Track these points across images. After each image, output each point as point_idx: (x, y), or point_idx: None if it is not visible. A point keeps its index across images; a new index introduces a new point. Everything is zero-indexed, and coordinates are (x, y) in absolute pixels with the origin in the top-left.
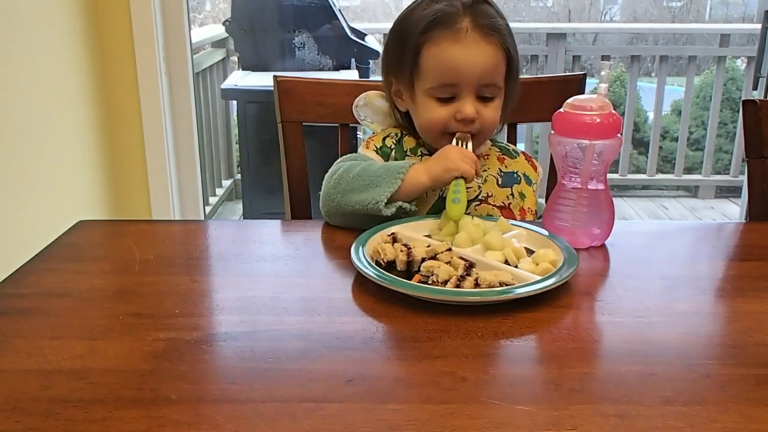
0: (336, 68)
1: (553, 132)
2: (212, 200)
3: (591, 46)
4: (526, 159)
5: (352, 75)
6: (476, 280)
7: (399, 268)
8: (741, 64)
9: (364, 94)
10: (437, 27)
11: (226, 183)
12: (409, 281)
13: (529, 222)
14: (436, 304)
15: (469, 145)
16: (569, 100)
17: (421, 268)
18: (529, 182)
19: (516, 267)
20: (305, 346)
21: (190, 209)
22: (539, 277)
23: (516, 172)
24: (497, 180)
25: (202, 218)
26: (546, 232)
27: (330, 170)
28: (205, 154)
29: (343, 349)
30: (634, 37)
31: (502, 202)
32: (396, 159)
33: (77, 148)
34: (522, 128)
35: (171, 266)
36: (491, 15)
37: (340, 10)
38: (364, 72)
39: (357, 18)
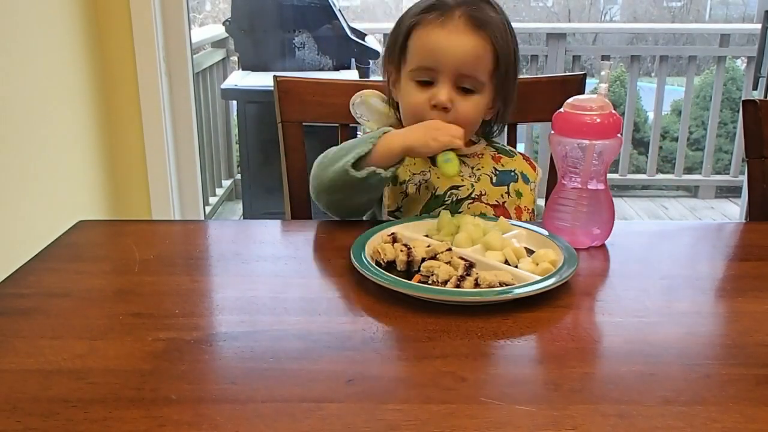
0: (336, 68)
1: (553, 132)
2: (212, 200)
3: (591, 46)
4: (523, 158)
5: (352, 75)
6: (476, 280)
7: (399, 268)
8: (741, 64)
9: (361, 92)
10: (432, 12)
11: (226, 183)
12: (409, 281)
13: (529, 222)
14: (436, 304)
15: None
16: (569, 100)
17: (421, 268)
18: (526, 180)
19: (516, 267)
20: (305, 346)
21: (190, 209)
22: (539, 277)
23: (513, 171)
24: (491, 178)
25: (202, 218)
26: (546, 232)
27: None
28: (205, 154)
29: (343, 349)
30: (634, 37)
31: (497, 201)
32: None
33: (77, 148)
34: (522, 128)
35: (171, 266)
36: (486, 10)
37: (340, 10)
38: (364, 72)
39: (357, 18)
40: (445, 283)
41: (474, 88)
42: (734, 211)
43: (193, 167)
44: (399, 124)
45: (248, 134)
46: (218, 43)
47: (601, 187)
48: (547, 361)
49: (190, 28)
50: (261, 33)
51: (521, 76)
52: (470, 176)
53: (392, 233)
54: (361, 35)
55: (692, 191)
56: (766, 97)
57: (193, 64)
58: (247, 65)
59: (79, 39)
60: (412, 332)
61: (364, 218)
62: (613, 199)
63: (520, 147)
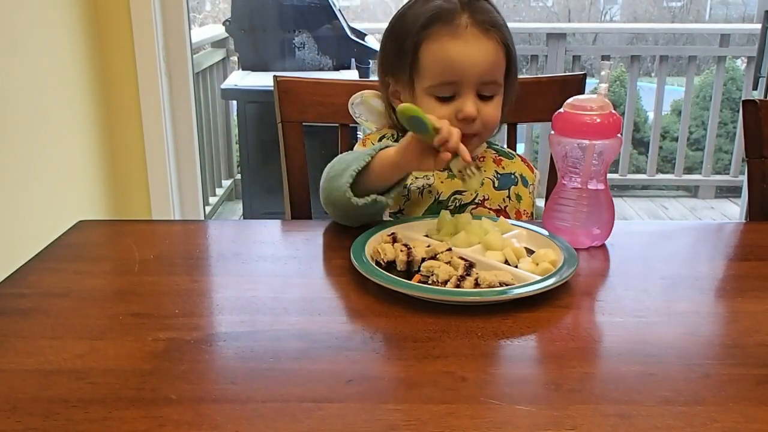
0: (336, 68)
1: (553, 132)
2: (212, 200)
3: (591, 46)
4: (522, 160)
5: (352, 75)
6: (476, 280)
7: (399, 268)
8: (741, 64)
9: (360, 92)
10: (436, 23)
11: (226, 183)
12: (409, 281)
13: (530, 222)
14: (436, 304)
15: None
16: (569, 100)
17: (421, 268)
18: (525, 184)
19: (516, 267)
20: (305, 346)
21: (190, 209)
22: (539, 277)
23: (513, 174)
24: (493, 182)
25: (202, 218)
26: (546, 232)
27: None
28: (205, 154)
29: (343, 349)
30: (634, 37)
31: (499, 205)
32: None
33: (77, 148)
34: (522, 128)
35: (171, 266)
36: (489, 11)
37: (340, 10)
38: (364, 72)
39: (357, 18)
40: (445, 283)
41: (494, 93)
42: (734, 211)
43: (193, 167)
44: (395, 126)
45: (248, 134)
46: (218, 43)
47: (601, 187)
48: (547, 361)
49: (190, 28)
50: (261, 33)
51: (521, 76)
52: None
53: (392, 233)
54: (361, 35)
55: (692, 191)
56: (766, 97)
57: (193, 64)
58: (247, 65)
59: (79, 39)
60: (412, 332)
61: None
62: (613, 199)
63: (520, 147)
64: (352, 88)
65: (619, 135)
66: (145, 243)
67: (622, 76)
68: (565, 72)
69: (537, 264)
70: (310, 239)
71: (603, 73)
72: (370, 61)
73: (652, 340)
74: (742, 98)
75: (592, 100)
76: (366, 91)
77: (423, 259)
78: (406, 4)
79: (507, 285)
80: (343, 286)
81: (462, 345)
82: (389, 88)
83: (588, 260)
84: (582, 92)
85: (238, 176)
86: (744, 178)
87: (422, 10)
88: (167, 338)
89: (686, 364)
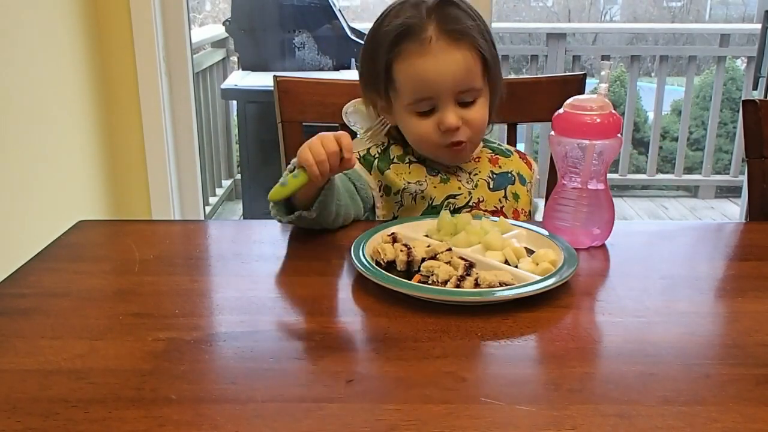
0: (336, 68)
1: (553, 132)
2: (212, 200)
3: (591, 46)
4: (520, 157)
5: (352, 75)
6: (476, 280)
7: (399, 268)
8: (741, 64)
9: (353, 101)
10: (404, 40)
11: (226, 183)
12: (409, 281)
13: (530, 222)
14: (436, 304)
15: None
16: (569, 100)
17: (421, 268)
18: (523, 182)
19: (516, 267)
20: (305, 346)
21: (190, 209)
22: (539, 277)
23: (510, 172)
24: (488, 183)
25: (202, 218)
26: (546, 232)
27: None
28: (205, 154)
29: (343, 349)
30: (634, 37)
31: (495, 206)
32: (379, 168)
33: (77, 148)
34: (522, 128)
35: (171, 266)
36: (458, 18)
37: (340, 10)
38: None
39: (357, 18)
40: (445, 283)
41: (474, 98)
42: (734, 211)
43: (193, 167)
44: (390, 134)
45: (248, 134)
46: (218, 43)
47: (601, 187)
48: (547, 361)
49: (190, 28)
50: (261, 33)
51: (521, 76)
52: (467, 182)
53: (392, 233)
54: (361, 35)
55: (692, 191)
56: (766, 97)
57: (193, 64)
58: (247, 65)
59: (79, 39)
60: (412, 332)
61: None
62: (613, 199)
63: (520, 147)
64: (352, 88)
65: (619, 135)
66: (145, 243)
67: (622, 76)
68: (565, 72)
69: (537, 264)
70: (310, 239)
71: (603, 73)
72: None
73: (652, 340)
74: (742, 98)
75: (592, 100)
76: (358, 99)
77: (423, 259)
78: (377, 19)
79: (507, 285)
80: (343, 286)
81: (462, 345)
82: (377, 105)
83: (588, 260)
84: (582, 92)
85: (238, 176)
86: (744, 178)
87: (390, 28)
88: (167, 338)
89: (686, 364)
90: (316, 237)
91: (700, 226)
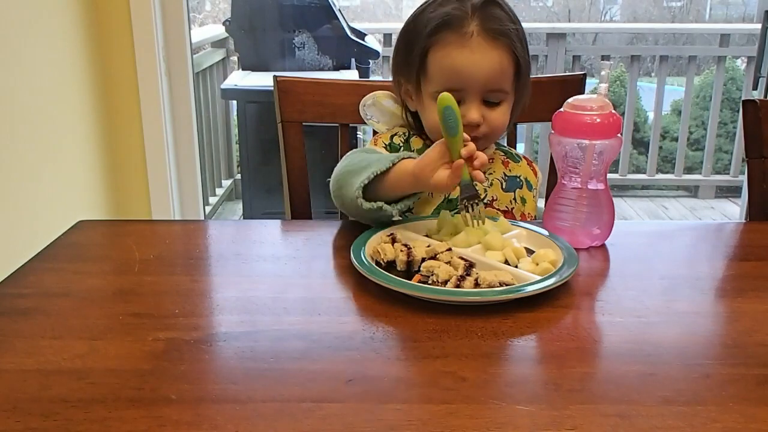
0: (336, 68)
1: (553, 132)
2: (212, 200)
3: (591, 46)
4: (527, 163)
5: (352, 75)
6: (476, 280)
7: (399, 268)
8: (741, 64)
9: (373, 93)
10: (444, 30)
11: (226, 183)
12: (409, 281)
13: (530, 222)
14: (436, 304)
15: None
16: (569, 100)
17: (421, 268)
18: (530, 187)
19: (516, 267)
20: (305, 346)
21: (190, 209)
22: (539, 277)
23: (519, 177)
24: (502, 184)
25: (202, 218)
26: (546, 232)
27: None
28: (205, 154)
29: (343, 349)
30: (634, 37)
31: (506, 207)
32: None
33: (77, 148)
34: (522, 128)
35: (171, 266)
36: (500, 19)
37: (340, 10)
38: (363, 72)
39: (357, 18)
40: (445, 283)
41: (500, 100)
42: (734, 211)
43: (193, 167)
44: (408, 125)
45: (248, 134)
46: (218, 43)
47: (601, 187)
48: (547, 361)
49: (190, 28)
50: (261, 33)
51: None
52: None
53: (392, 233)
54: (361, 35)
55: (692, 191)
56: (766, 97)
57: (193, 64)
58: (247, 65)
59: (79, 39)
60: (412, 332)
61: None
62: (613, 199)
63: (520, 147)
64: (352, 88)
65: (619, 135)
66: (145, 243)
67: (622, 76)
68: (565, 72)
69: (537, 264)
70: (310, 239)
71: (603, 73)
72: (370, 61)
73: (652, 340)
74: (742, 98)
75: (592, 100)
76: (378, 92)
77: (423, 259)
78: (421, 6)
79: (507, 285)
80: (343, 286)
81: (462, 345)
82: (401, 87)
83: (588, 260)
84: (582, 92)
85: (238, 176)
86: (744, 178)
87: (433, 15)
88: (167, 338)
89: (686, 364)
90: (316, 237)
91: (700, 226)
